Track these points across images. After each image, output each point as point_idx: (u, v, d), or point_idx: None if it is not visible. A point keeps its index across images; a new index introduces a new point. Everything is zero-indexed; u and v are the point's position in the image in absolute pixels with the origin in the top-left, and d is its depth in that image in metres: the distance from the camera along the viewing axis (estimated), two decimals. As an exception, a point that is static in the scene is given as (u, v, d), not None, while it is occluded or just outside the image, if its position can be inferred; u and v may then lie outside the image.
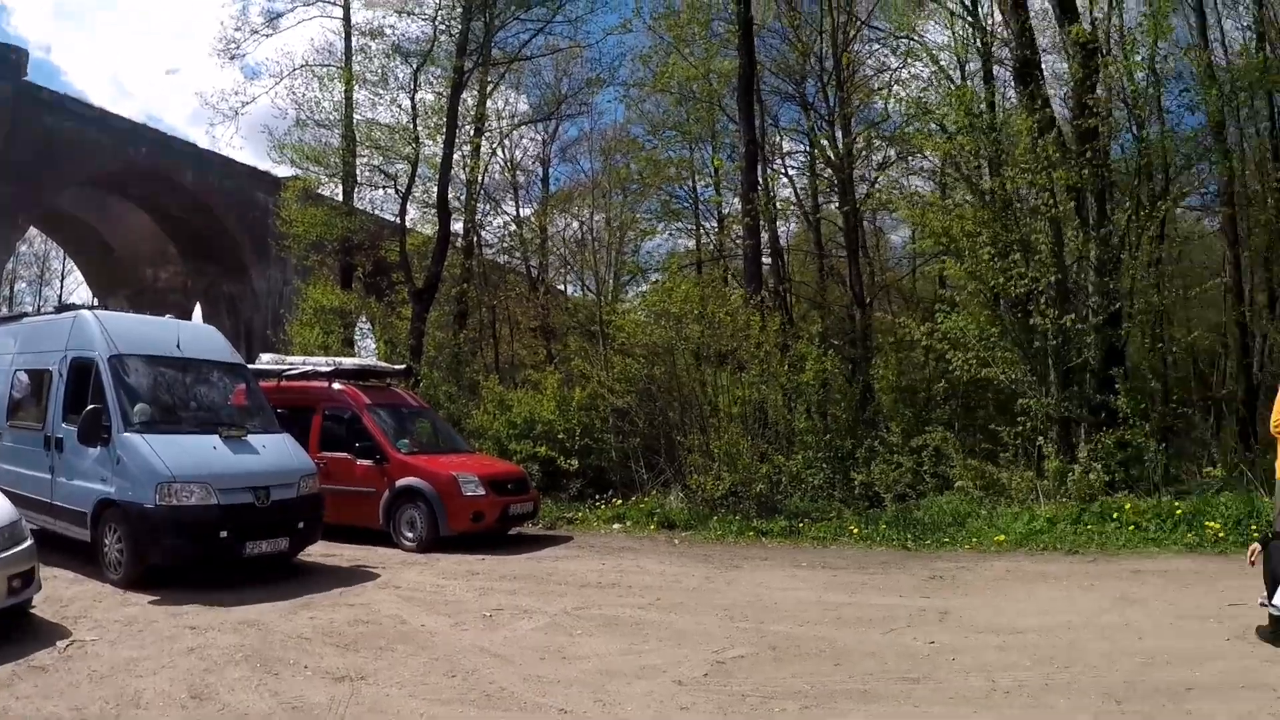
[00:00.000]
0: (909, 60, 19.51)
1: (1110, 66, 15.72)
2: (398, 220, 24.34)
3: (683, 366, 16.63)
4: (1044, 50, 18.29)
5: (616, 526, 14.25)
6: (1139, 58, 15.48)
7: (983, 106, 15.86)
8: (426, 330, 22.41)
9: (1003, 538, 11.29)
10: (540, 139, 29.51)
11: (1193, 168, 18.45)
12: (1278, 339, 19.17)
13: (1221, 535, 10.62)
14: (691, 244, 27.85)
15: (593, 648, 7.25)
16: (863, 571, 10.15)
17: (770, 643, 7.27)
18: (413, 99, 22.62)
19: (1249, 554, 7.37)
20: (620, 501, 15.70)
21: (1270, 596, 6.91)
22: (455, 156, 22.63)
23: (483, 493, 12.54)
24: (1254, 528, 10.42)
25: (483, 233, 27.41)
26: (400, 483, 12.59)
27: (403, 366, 16.42)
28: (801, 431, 15.97)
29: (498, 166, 27.67)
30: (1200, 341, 20.83)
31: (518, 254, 28.30)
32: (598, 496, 16.30)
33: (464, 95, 22.84)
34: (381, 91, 23.97)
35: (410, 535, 12.40)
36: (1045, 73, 17.69)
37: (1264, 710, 5.62)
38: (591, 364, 19.11)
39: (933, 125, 17.30)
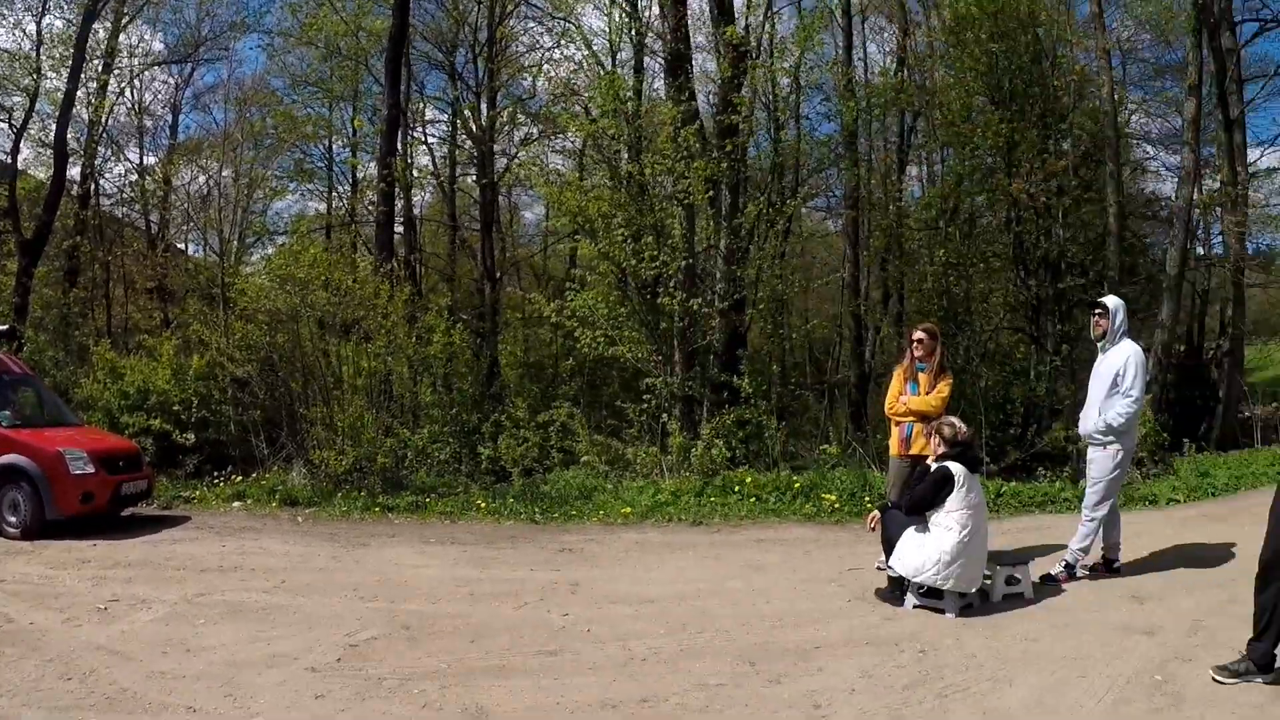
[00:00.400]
0: (563, 41, 19.94)
1: (758, 70, 16.54)
2: (8, 160, 21.69)
3: (307, 335, 15.86)
4: (697, 47, 19.29)
5: (237, 505, 13.31)
6: (786, 65, 16.54)
7: (630, 94, 16.27)
8: (33, 288, 20.09)
9: (629, 510, 11.50)
10: (173, 82, 27.45)
11: (823, 171, 20.03)
12: (889, 331, 21.16)
13: (837, 506, 11.40)
14: (323, 207, 27.61)
15: (218, 637, 6.75)
16: (492, 546, 10.04)
17: (403, 622, 7.09)
18: (39, 23, 20.75)
19: (868, 521, 7.97)
20: (240, 478, 14.82)
21: (887, 559, 7.50)
22: (80, 93, 20.77)
23: (92, 470, 11.28)
24: (867, 499, 11.33)
25: (101, 181, 24.93)
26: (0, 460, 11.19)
27: (5, 328, 14.61)
28: (428, 405, 15.84)
29: (124, 109, 25.49)
30: (818, 330, 22.57)
31: (138, 207, 26.07)
32: (216, 473, 15.30)
33: (95, 26, 20.88)
34: (5, 13, 21.78)
35: (13, 520, 10.88)
36: (695, 69, 18.50)
37: (887, 663, 6.09)
38: (211, 330, 17.77)
39: (579, 107, 17.75)
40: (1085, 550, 8.29)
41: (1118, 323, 8.11)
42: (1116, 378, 7.95)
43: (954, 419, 7.55)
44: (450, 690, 5.63)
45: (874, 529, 7.82)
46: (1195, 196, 20.28)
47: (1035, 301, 18.80)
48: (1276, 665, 5.70)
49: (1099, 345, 8.31)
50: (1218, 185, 22.29)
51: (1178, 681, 5.82)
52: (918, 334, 8.65)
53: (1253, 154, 25.17)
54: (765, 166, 17.46)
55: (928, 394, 8.41)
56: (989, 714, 5.33)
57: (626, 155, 15.94)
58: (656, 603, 7.54)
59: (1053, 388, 18.12)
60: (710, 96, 18.40)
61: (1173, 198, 24.49)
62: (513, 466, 14.32)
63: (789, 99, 17.75)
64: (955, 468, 7.14)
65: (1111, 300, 8.30)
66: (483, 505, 12.18)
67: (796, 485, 12.01)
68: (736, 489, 11.98)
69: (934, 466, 7.34)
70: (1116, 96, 20.13)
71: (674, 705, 5.44)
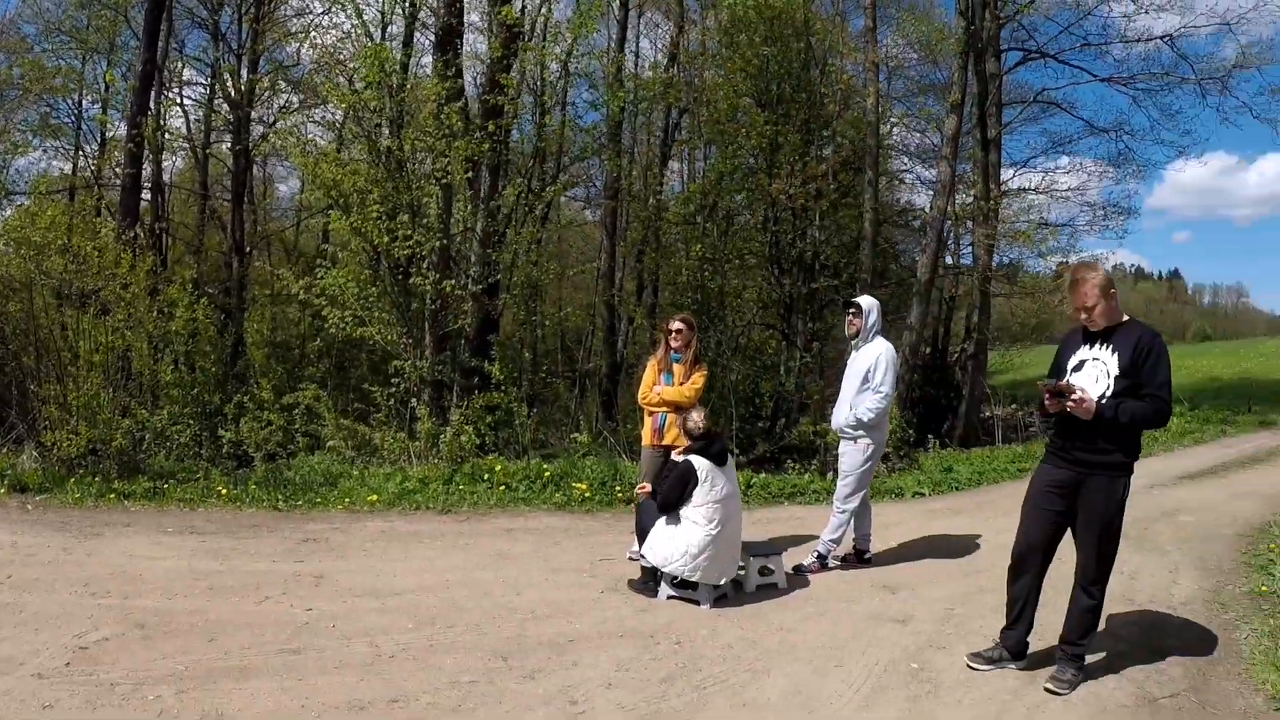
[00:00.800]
0: (334, 8, 19.40)
1: (529, 52, 16.43)
2: None
3: (41, 306, 14.77)
4: (471, 26, 19.08)
5: (-42, 492, 12.43)
6: (558, 50, 16.58)
7: (396, 67, 15.93)
8: None
9: (375, 498, 11.16)
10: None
11: (585, 160, 20.24)
12: (642, 323, 21.51)
13: (588, 495, 11.40)
14: (68, 168, 25.77)
15: (-69, 644, 6.09)
16: (233, 536, 9.47)
17: (138, 620, 6.57)
18: None
19: (636, 495, 8.30)
20: (-37, 462, 13.79)
21: (640, 548, 7.58)
22: None
23: None
24: (618, 489, 11.53)
25: None
26: None
27: None
28: (168, 385, 14.94)
29: None
30: (572, 319, 22.78)
31: None
32: (-65, 457, 14.17)
33: None
34: None
35: None
36: (467, 49, 18.31)
37: (643, 656, 6.12)
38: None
39: (342, 78, 17.41)
40: (837, 541, 8.56)
41: (871, 322, 8.43)
42: (868, 374, 8.26)
43: (694, 412, 7.64)
44: (188, 695, 5.32)
45: (640, 498, 7.96)
46: (950, 209, 21.44)
47: (788, 300, 19.53)
48: (1029, 652, 6.14)
49: (852, 343, 8.63)
50: (971, 200, 23.72)
51: (934, 669, 6.09)
52: (676, 324, 8.66)
53: (1005, 174, 27.12)
54: (527, 151, 17.49)
55: (682, 385, 8.49)
56: (748, 706, 5.41)
57: (387, 130, 15.59)
58: (404, 595, 7.34)
59: (802, 383, 18.86)
60: (478, 78, 18.27)
61: (926, 208, 25.98)
62: (255, 451, 13.54)
63: (557, 85, 17.80)
64: (698, 462, 7.25)
65: (865, 300, 8.60)
66: (224, 492, 11.50)
67: (547, 474, 11.98)
68: (486, 477, 11.82)
69: (679, 461, 7.47)
70: (880, 109, 21.03)
71: (425, 705, 5.29)
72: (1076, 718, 5.42)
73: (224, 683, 5.48)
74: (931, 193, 25.28)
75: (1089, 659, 6.06)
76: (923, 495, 13.26)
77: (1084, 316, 5.67)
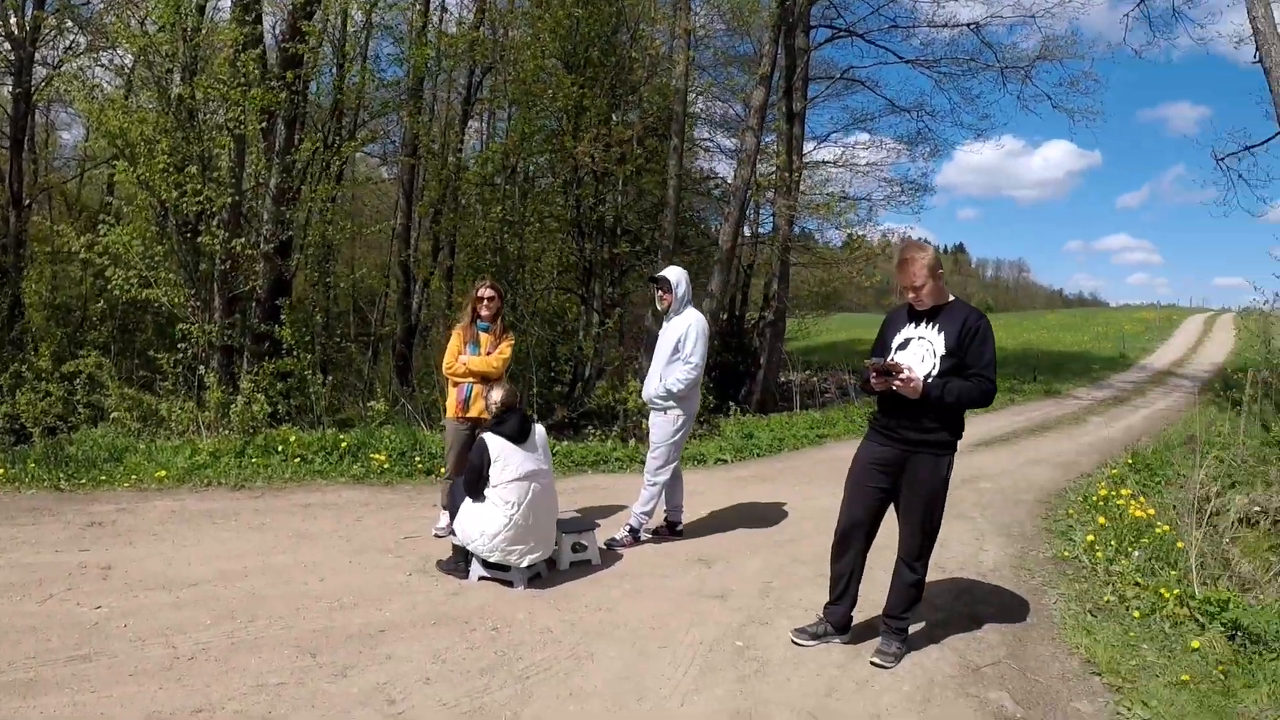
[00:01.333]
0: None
1: (334, 2, 16.12)
2: None
3: None
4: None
5: None
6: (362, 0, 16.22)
7: (192, 9, 15.18)
8: None
9: (164, 474, 10.55)
10: None
11: (384, 116, 19.89)
12: (439, 285, 21.40)
13: (387, 466, 11.19)
14: None
15: None
16: (12, 523, 8.60)
17: None
18: None
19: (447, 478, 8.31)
20: None
21: (451, 525, 7.48)
22: None
23: None
24: (418, 459, 11.42)
25: None
26: None
27: None
28: None
29: None
30: (367, 280, 22.38)
31: None
32: None
33: None
34: None
35: None
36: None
37: (460, 645, 5.95)
38: None
39: (134, 20, 16.65)
40: (649, 514, 8.59)
41: (681, 293, 8.48)
42: (678, 345, 8.34)
43: (496, 390, 7.57)
44: (-34, 721, 4.84)
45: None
46: (753, 179, 21.92)
47: (588, 264, 19.74)
48: (852, 626, 6.34)
49: (664, 315, 8.65)
50: (773, 170, 24.28)
51: (759, 646, 6.16)
52: (487, 291, 8.55)
53: (807, 146, 27.96)
54: (326, 105, 17.10)
55: (489, 355, 8.44)
56: (575, 695, 5.33)
57: (179, 77, 14.87)
58: (200, 586, 6.84)
59: (601, 348, 19.06)
60: (278, 25, 17.66)
61: (727, 178, 26.54)
62: (34, 425, 12.79)
63: (359, 36, 17.42)
64: (491, 441, 7.13)
65: (673, 272, 8.62)
66: (1, 471, 10.50)
67: (344, 444, 11.70)
68: (280, 449, 11.46)
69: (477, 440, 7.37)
70: (689, 77, 21.25)
71: (232, 713, 4.92)
72: (905, 690, 5.65)
73: (9, 700, 4.93)
74: (734, 162, 25.91)
75: (910, 629, 6.32)
76: (725, 462, 13.64)
77: (911, 295, 5.79)
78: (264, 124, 14.66)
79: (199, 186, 13.70)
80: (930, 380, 5.63)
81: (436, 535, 8.40)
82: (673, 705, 5.28)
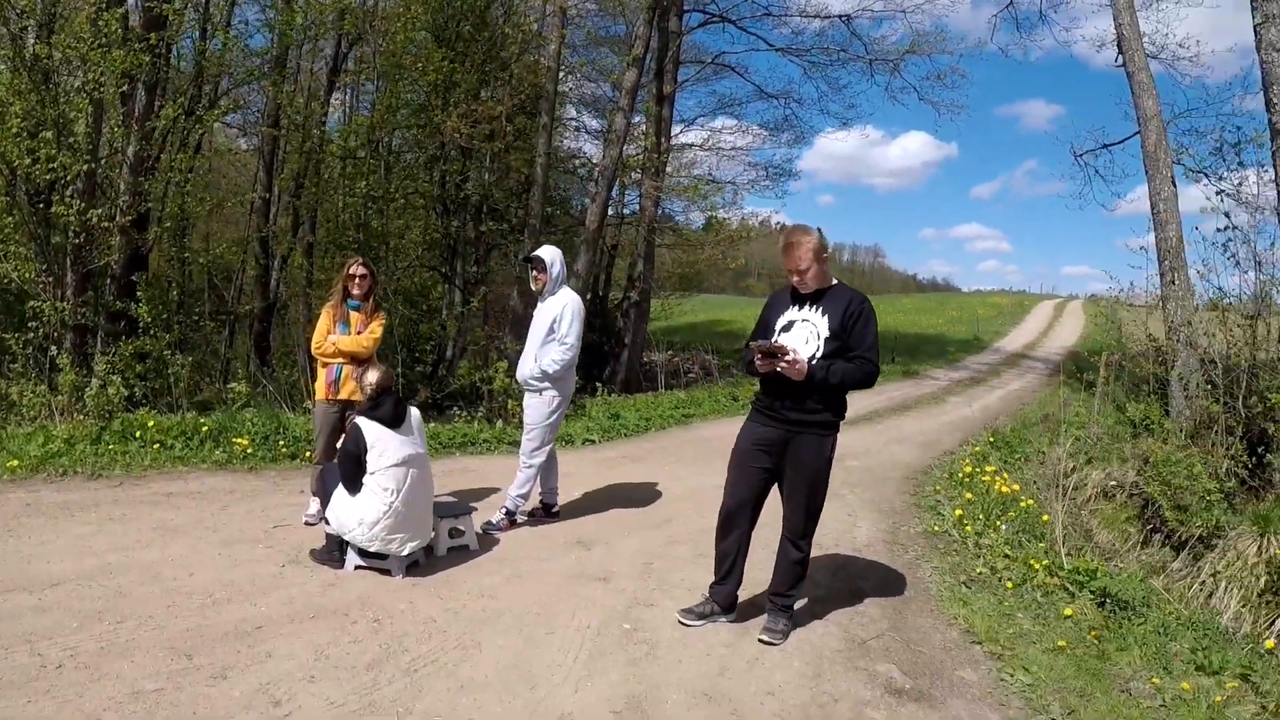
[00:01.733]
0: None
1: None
2: None
3: None
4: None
5: None
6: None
7: None
8: None
9: (17, 463, 9.83)
10: None
11: (247, 85, 19.30)
12: (300, 261, 20.93)
13: (250, 451, 10.81)
14: None
15: None
16: None
17: None
18: None
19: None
20: None
21: (316, 512, 7.43)
22: None
23: None
24: (282, 443, 11.13)
25: None
26: None
27: None
28: None
29: None
30: (226, 255, 21.74)
31: None
32: None
33: None
34: None
35: None
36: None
37: (342, 639, 5.75)
38: None
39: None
40: (525, 496, 8.55)
41: (556, 273, 8.38)
42: (553, 325, 8.27)
43: (371, 371, 7.32)
44: None
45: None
46: (620, 159, 21.91)
47: (452, 243, 19.53)
48: (738, 604, 6.39)
49: (539, 296, 8.55)
50: (641, 152, 24.33)
51: (647, 628, 6.17)
52: (359, 269, 8.34)
53: (674, 129, 27.97)
54: (188, 71, 16.50)
55: (359, 334, 8.26)
56: (466, 687, 5.19)
57: (35, 35, 14.20)
58: (63, 586, 6.38)
59: (465, 328, 18.89)
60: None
61: (594, 158, 26.52)
62: None
63: (224, 3, 16.83)
64: (365, 426, 6.95)
65: (548, 252, 8.49)
66: None
67: (205, 429, 11.22)
68: (138, 434, 10.89)
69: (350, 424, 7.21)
70: (561, 56, 21.12)
71: None
72: (796, 667, 5.73)
73: None
74: (600, 142, 26.00)
75: (795, 606, 6.42)
76: (593, 442, 13.66)
77: (796, 279, 5.83)
78: (124, 88, 13.98)
79: (53, 153, 13.08)
80: (815, 362, 5.68)
81: (307, 523, 8.14)
82: (566, 692, 5.21)
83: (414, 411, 7.41)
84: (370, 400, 7.16)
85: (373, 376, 7.22)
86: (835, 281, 5.95)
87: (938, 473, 12.23)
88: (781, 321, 5.96)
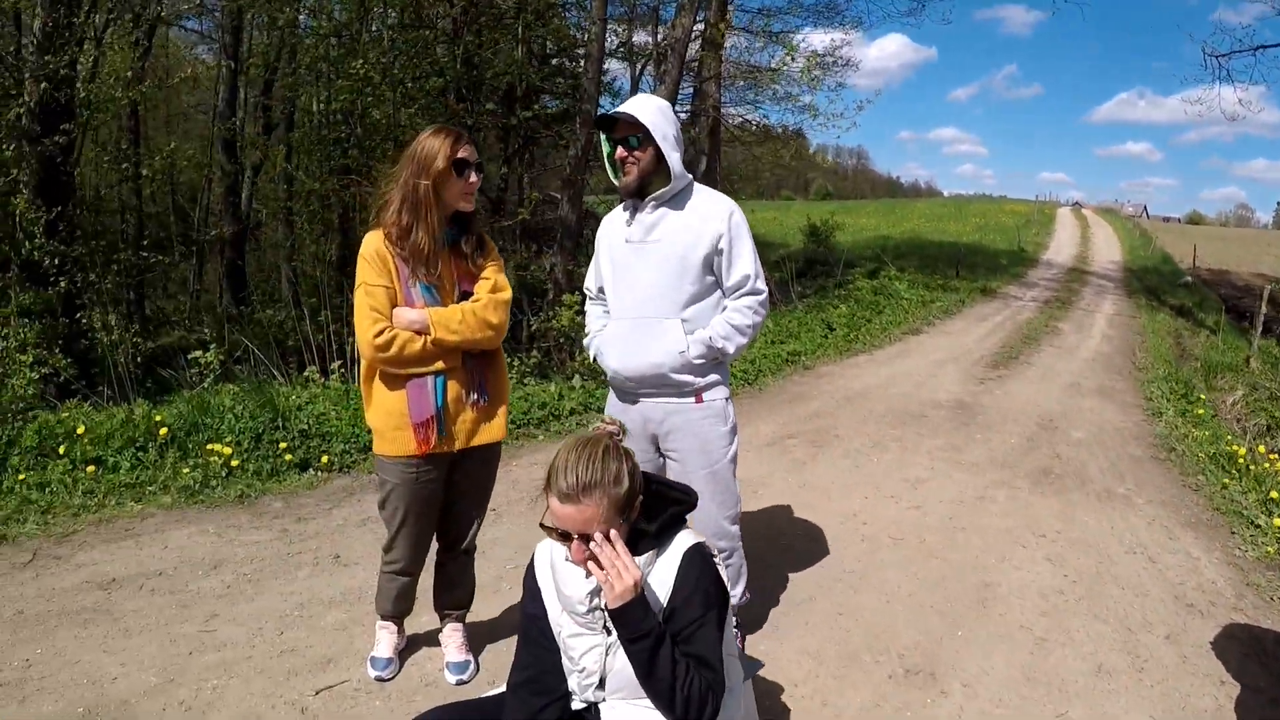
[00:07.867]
0: None
1: None
2: None
3: None
4: None
5: None
6: None
7: None
8: None
9: None
10: None
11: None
12: (279, 165, 17.78)
13: (235, 464, 6.85)
14: None
15: None
16: None
17: None
18: None
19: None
20: None
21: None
22: None
23: None
24: (282, 444, 7.32)
25: None
26: None
27: None
28: None
29: None
30: (180, 167, 18.50)
31: None
32: None
33: None
34: None
35: None
36: None
37: None
38: None
39: None
40: (745, 592, 4.87)
41: (670, 150, 3.92)
42: (708, 258, 3.98)
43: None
44: None
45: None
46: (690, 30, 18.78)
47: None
48: None
49: (634, 199, 4.04)
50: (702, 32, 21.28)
51: None
52: (466, 149, 3.73)
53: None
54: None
55: (468, 295, 3.77)
56: None
57: None
58: None
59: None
60: None
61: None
62: None
63: None
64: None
65: (648, 108, 3.95)
66: None
67: (164, 431, 7.03)
68: (63, 450, 6.68)
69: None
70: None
71: None
72: None
73: None
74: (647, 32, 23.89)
75: None
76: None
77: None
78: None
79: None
80: None
81: (378, 678, 4.13)
82: None
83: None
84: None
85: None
86: None
87: (1178, 445, 9.18)
88: None
